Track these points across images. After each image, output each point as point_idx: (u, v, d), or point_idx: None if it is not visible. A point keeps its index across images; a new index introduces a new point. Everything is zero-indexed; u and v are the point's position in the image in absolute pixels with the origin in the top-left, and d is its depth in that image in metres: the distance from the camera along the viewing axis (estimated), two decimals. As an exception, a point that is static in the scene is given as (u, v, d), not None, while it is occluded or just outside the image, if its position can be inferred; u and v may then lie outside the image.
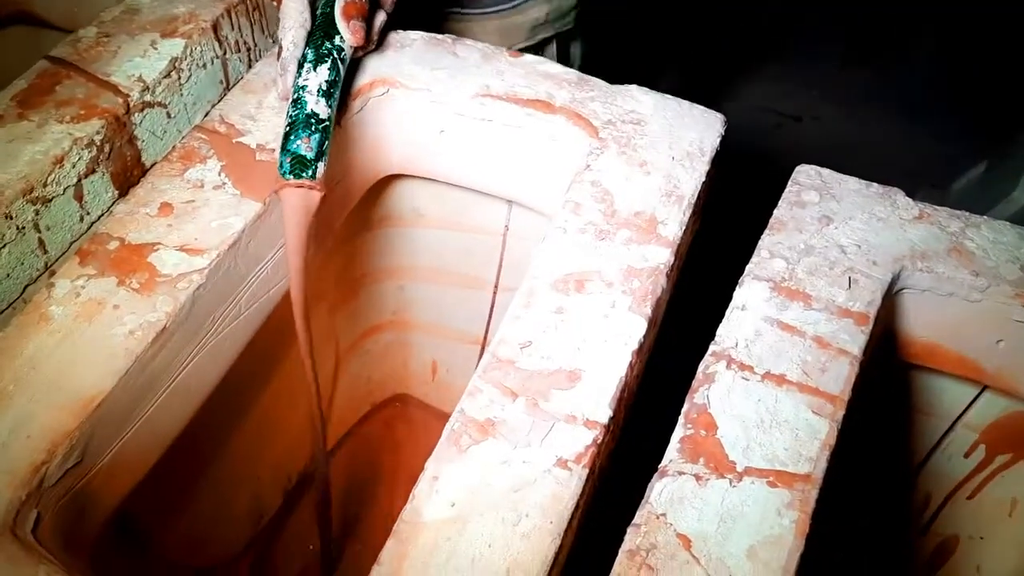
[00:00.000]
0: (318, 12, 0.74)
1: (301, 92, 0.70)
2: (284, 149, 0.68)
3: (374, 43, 0.80)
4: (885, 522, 0.94)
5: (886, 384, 0.81)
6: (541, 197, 0.79)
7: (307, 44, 0.72)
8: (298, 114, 0.69)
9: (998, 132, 1.59)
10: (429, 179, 0.87)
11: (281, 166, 0.68)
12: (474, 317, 1.02)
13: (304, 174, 0.67)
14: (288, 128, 0.69)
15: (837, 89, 1.83)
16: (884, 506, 0.93)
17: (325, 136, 0.69)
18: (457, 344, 1.05)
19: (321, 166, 0.68)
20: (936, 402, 0.83)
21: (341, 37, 0.73)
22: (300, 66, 0.71)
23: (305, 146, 0.68)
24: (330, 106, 0.70)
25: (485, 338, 1.03)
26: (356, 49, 0.76)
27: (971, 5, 1.72)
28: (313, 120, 0.69)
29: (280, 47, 0.73)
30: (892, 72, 1.83)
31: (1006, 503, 0.85)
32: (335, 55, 0.72)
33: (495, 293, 0.98)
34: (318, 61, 0.71)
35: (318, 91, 0.70)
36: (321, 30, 0.73)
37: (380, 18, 0.78)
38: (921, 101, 1.78)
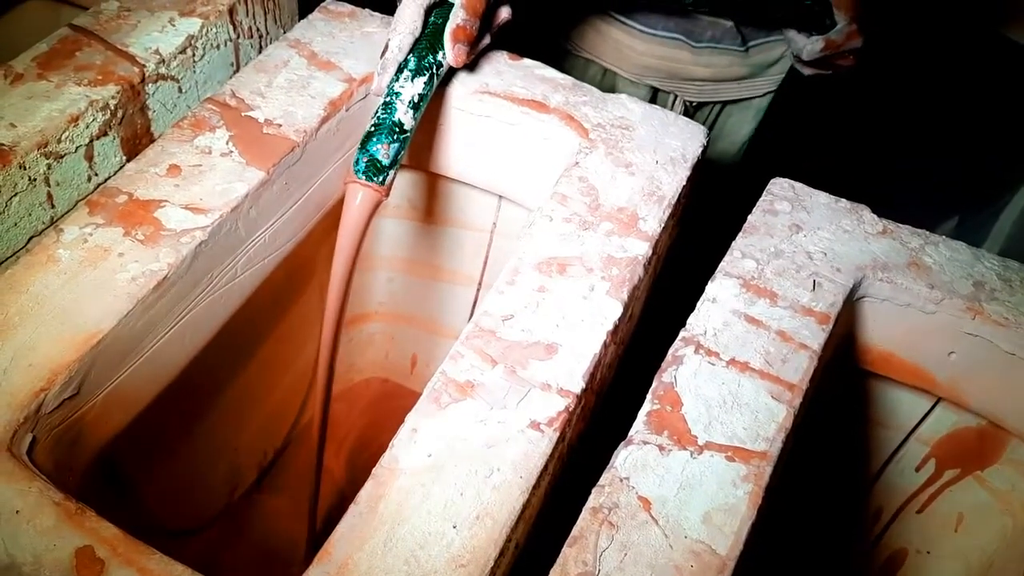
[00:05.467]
0: (431, 20, 0.76)
1: (394, 98, 0.72)
2: (363, 147, 0.71)
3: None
4: (839, 533, 0.97)
5: (846, 395, 0.85)
6: (530, 192, 0.83)
7: (411, 51, 0.74)
8: (386, 119, 0.72)
9: (972, 187, 1.65)
10: (424, 171, 0.91)
11: (357, 163, 0.71)
12: (457, 313, 1.05)
13: (375, 179, 0.71)
14: (373, 128, 0.72)
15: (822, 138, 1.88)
16: (839, 518, 0.96)
17: (403, 147, 0.72)
18: (439, 339, 1.08)
19: (392, 173, 0.72)
20: (892, 415, 0.87)
21: (443, 54, 0.75)
22: (399, 71, 0.74)
23: (383, 152, 0.71)
24: (415, 119, 0.73)
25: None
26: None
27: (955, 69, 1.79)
28: (397, 129, 0.72)
29: (386, 46, 0.74)
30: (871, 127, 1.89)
31: (953, 518, 0.89)
32: (434, 71, 0.74)
33: (478, 290, 1.02)
34: (417, 72, 0.73)
35: (409, 102, 0.73)
36: (427, 40, 0.75)
37: (484, 42, 0.80)
38: (899, 153, 1.84)
